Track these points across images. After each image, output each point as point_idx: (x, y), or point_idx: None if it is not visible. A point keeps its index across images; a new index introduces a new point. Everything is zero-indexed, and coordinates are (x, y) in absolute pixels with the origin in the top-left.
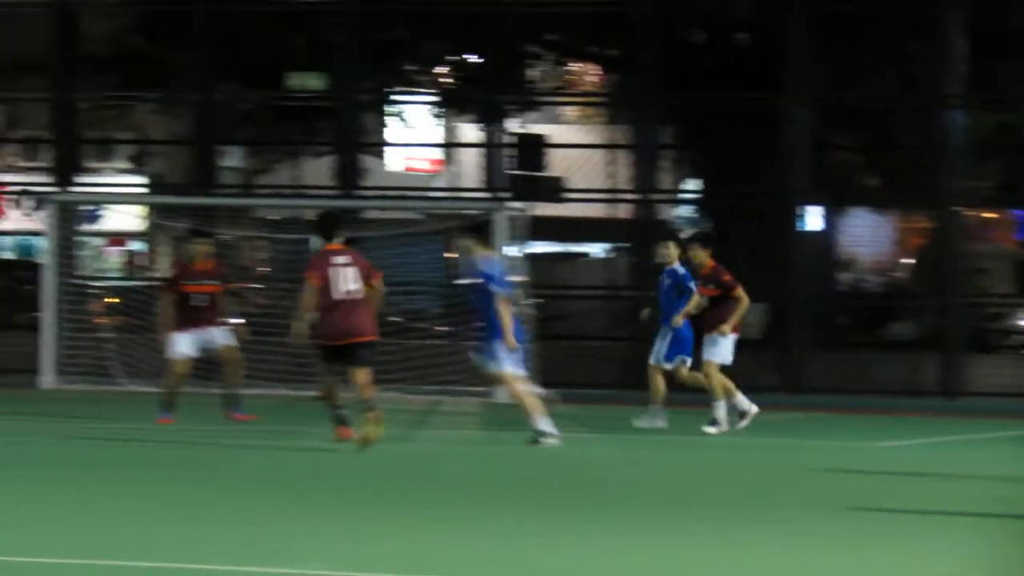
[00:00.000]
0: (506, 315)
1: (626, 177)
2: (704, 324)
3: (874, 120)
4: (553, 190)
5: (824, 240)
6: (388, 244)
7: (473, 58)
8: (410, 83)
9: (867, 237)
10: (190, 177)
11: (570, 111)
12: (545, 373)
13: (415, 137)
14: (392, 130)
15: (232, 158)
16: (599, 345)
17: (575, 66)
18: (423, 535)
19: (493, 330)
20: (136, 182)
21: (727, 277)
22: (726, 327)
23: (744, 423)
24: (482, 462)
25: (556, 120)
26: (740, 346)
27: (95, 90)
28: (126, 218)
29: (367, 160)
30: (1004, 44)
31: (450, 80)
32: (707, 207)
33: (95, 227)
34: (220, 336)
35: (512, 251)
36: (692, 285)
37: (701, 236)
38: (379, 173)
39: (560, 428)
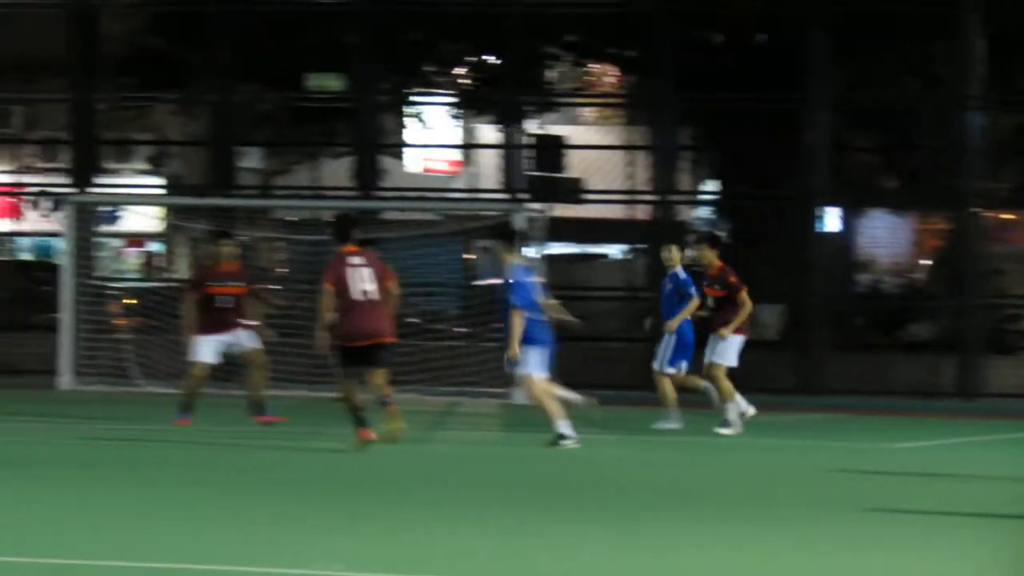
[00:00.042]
0: (516, 325)
1: (645, 178)
2: (711, 326)
3: (893, 121)
4: (571, 191)
5: (843, 241)
6: (407, 245)
7: (491, 59)
8: (429, 84)
9: (886, 238)
10: (208, 178)
11: (589, 112)
12: (563, 374)
13: (434, 138)
14: (411, 131)
15: (250, 159)
16: (617, 346)
17: (594, 67)
18: (439, 536)
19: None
20: (154, 183)
21: (733, 279)
22: (725, 331)
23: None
24: (499, 463)
25: (575, 121)
26: (758, 347)
27: (113, 91)
28: (144, 219)
29: (386, 161)
30: None
31: (468, 81)
32: (726, 208)
33: (113, 228)
34: (247, 339)
35: (530, 252)
36: (692, 291)
37: (709, 237)
38: (398, 174)
39: (578, 429)
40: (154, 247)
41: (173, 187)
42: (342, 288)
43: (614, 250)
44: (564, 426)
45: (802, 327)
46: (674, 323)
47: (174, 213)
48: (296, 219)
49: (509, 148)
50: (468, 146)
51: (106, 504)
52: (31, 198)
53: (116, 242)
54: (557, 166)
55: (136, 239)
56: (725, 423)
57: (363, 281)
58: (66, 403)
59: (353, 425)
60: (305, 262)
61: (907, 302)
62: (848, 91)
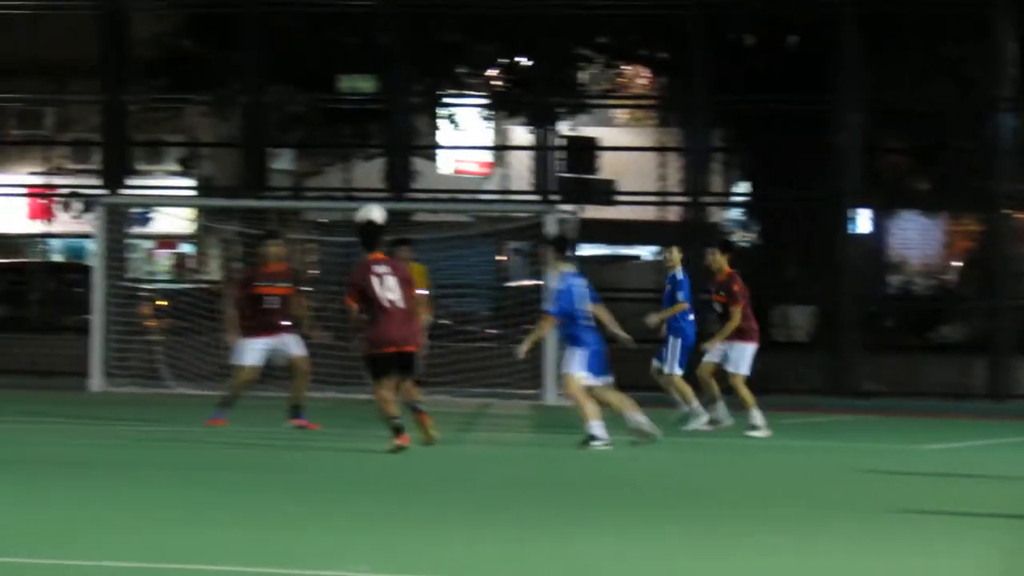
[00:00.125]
0: (539, 328)
1: (676, 180)
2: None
3: (925, 122)
4: (603, 193)
5: (874, 243)
6: (438, 247)
7: (524, 61)
8: (461, 86)
9: (917, 240)
10: (240, 179)
11: (621, 114)
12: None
13: (466, 140)
14: (443, 133)
15: (282, 161)
16: (648, 348)
17: (626, 69)
18: (465, 537)
19: (566, 337)
20: (185, 184)
21: (736, 287)
22: (708, 344)
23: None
24: (529, 464)
25: (606, 123)
26: (789, 348)
27: (145, 92)
28: (175, 220)
29: (418, 163)
30: None
31: (501, 83)
32: (757, 210)
33: (144, 230)
34: (293, 345)
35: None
36: (680, 295)
37: (722, 242)
38: (430, 176)
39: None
40: (185, 248)
41: (204, 188)
42: (369, 297)
43: (646, 252)
44: (597, 427)
45: (833, 328)
46: (655, 317)
47: (205, 214)
48: (327, 221)
49: (541, 150)
50: (500, 148)
51: (136, 505)
52: (62, 199)
53: (147, 243)
54: (589, 168)
55: (167, 240)
56: (753, 427)
57: (387, 289)
58: (97, 405)
59: (390, 432)
60: (336, 264)
61: (938, 303)
62: (880, 92)
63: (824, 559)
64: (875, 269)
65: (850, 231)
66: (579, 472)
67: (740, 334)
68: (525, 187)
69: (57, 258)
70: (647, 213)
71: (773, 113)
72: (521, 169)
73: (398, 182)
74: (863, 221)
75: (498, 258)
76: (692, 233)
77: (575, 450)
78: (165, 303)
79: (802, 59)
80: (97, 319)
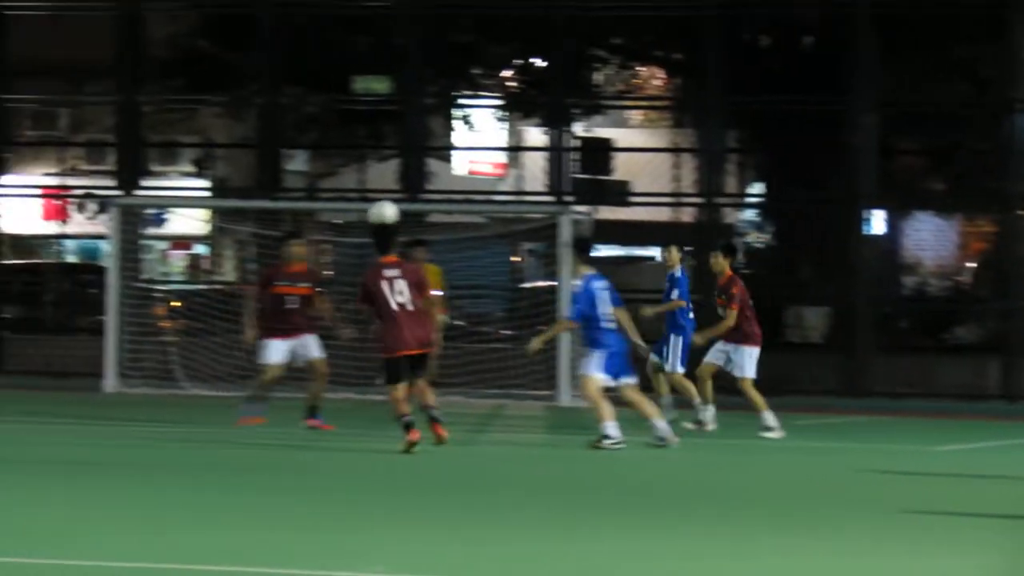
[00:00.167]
0: (554, 328)
1: (691, 181)
2: (727, 334)
3: (940, 124)
4: (618, 194)
5: (888, 244)
6: (453, 248)
7: (538, 62)
8: (475, 87)
9: (931, 241)
10: (254, 180)
11: (635, 115)
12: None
13: (480, 141)
14: (457, 134)
15: (297, 162)
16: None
17: (640, 70)
18: (480, 538)
19: (586, 339)
20: (200, 185)
21: (735, 290)
22: (698, 336)
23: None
24: (542, 465)
25: (621, 124)
26: (804, 349)
27: (159, 93)
28: (190, 222)
29: (432, 164)
30: None
31: (515, 84)
32: (772, 211)
33: (159, 230)
34: (313, 346)
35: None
36: (675, 294)
37: (724, 245)
38: (444, 177)
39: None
40: (200, 249)
41: (219, 189)
42: (379, 301)
43: (660, 253)
44: (612, 427)
45: (847, 329)
46: (650, 310)
47: (220, 215)
48: (342, 222)
49: (556, 151)
50: (515, 149)
51: (145, 506)
52: (77, 200)
53: (162, 244)
54: (603, 169)
55: (182, 241)
56: (767, 428)
57: (396, 293)
58: (110, 406)
59: (402, 431)
60: (351, 264)
61: (952, 304)
62: (895, 93)
63: (836, 560)
64: (889, 270)
65: (865, 232)
66: (593, 473)
67: (742, 338)
68: (539, 188)
69: (72, 259)
70: (661, 214)
71: (788, 114)
72: (535, 170)
73: (412, 183)
74: (878, 222)
75: (512, 259)
76: (706, 234)
77: (588, 450)
78: (179, 304)
79: (817, 60)
80: (111, 320)
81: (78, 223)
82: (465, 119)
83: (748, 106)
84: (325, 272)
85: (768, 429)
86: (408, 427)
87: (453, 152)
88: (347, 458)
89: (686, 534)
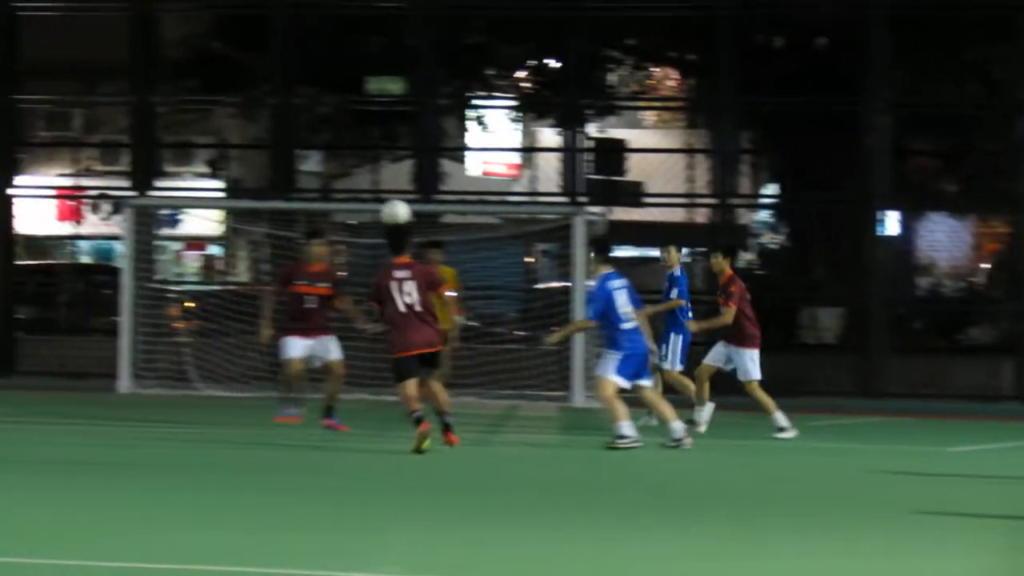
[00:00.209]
0: (573, 326)
1: (705, 181)
2: (727, 336)
3: (953, 124)
4: (631, 194)
5: (902, 245)
6: (466, 248)
7: (552, 62)
8: (489, 87)
9: (945, 241)
10: (268, 181)
11: (649, 115)
12: None
13: (494, 141)
14: (471, 134)
15: (310, 162)
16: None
17: (654, 70)
18: (493, 539)
19: (605, 340)
20: (214, 186)
21: (733, 288)
22: (693, 324)
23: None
24: (555, 466)
25: (635, 124)
26: (817, 350)
27: (174, 94)
28: (204, 222)
29: (446, 164)
30: None
31: (529, 84)
32: (785, 212)
33: (173, 231)
34: (333, 348)
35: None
36: (674, 293)
37: (725, 245)
38: (458, 177)
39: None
40: (214, 250)
41: (233, 190)
42: (387, 301)
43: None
44: (626, 427)
45: (861, 330)
46: (649, 309)
47: (234, 216)
48: (356, 222)
49: (569, 151)
50: (528, 149)
51: (153, 506)
52: (91, 201)
53: (176, 245)
54: (617, 169)
55: (196, 242)
56: (780, 429)
57: (404, 294)
58: (124, 406)
59: (412, 426)
60: (365, 265)
61: (966, 305)
62: (908, 94)
63: (848, 561)
64: (903, 271)
65: (878, 233)
66: (607, 473)
67: (741, 340)
68: (553, 189)
69: (86, 260)
70: (675, 215)
71: (801, 115)
72: (549, 171)
73: (426, 184)
74: (891, 223)
75: (526, 260)
76: (720, 235)
77: (602, 451)
78: (193, 305)
79: (830, 61)
80: (125, 321)
81: (92, 224)
82: (479, 120)
83: (762, 107)
84: (339, 272)
85: (781, 430)
86: (418, 421)
87: (467, 153)
88: (360, 458)
89: (699, 535)
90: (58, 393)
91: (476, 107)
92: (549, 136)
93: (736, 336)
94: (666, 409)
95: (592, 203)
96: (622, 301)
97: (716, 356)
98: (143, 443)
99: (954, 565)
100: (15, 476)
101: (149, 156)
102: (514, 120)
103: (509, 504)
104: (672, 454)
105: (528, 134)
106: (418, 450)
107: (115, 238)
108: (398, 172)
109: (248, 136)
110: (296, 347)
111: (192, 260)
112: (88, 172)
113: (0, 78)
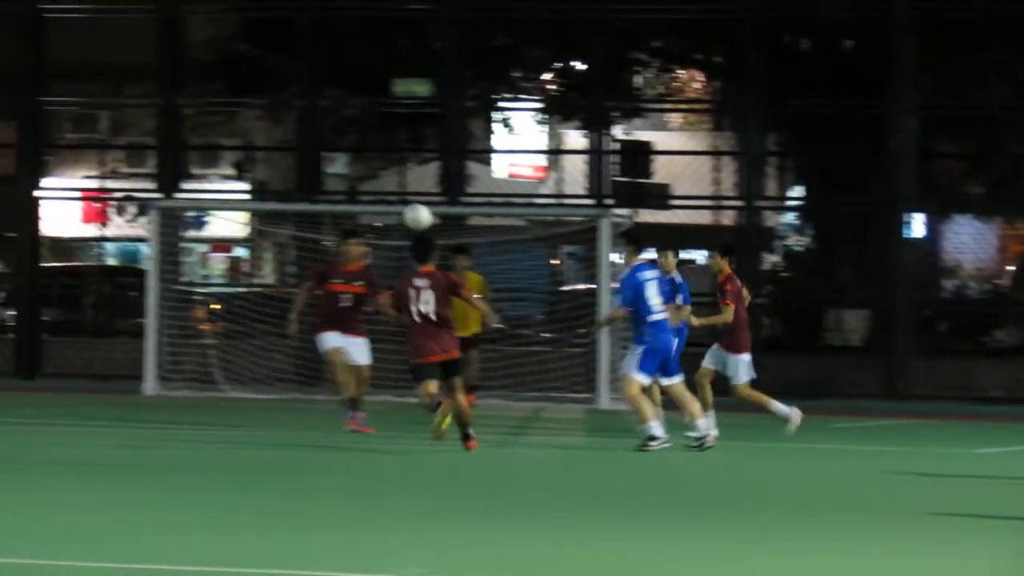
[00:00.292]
0: (609, 315)
1: (731, 184)
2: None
3: (979, 126)
4: (658, 197)
5: (928, 247)
6: (492, 251)
7: (578, 65)
8: (516, 89)
9: (971, 244)
10: (294, 183)
11: (675, 118)
12: None
13: (520, 144)
14: (497, 137)
15: (337, 164)
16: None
17: (680, 73)
18: (517, 540)
19: (633, 333)
20: (240, 188)
21: (730, 287)
22: (695, 318)
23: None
24: (582, 467)
25: (661, 127)
26: (843, 352)
27: (200, 96)
28: (230, 224)
29: (472, 167)
30: None
31: (555, 87)
32: (812, 214)
33: (199, 233)
34: (363, 353)
35: (616, 258)
36: (679, 299)
37: (724, 245)
38: (484, 180)
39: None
40: (239, 252)
41: (259, 192)
42: (404, 309)
43: (700, 256)
44: (656, 428)
45: (887, 332)
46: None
47: (259, 218)
48: (382, 225)
49: (596, 154)
50: (555, 152)
51: (173, 508)
52: (117, 203)
53: (201, 247)
54: (643, 172)
55: (222, 244)
56: (784, 419)
57: (418, 302)
58: (150, 408)
59: (432, 412)
60: (391, 268)
61: (992, 307)
62: (934, 97)
63: (849, 561)
64: (929, 273)
65: (905, 235)
66: (630, 475)
67: (731, 345)
68: (579, 191)
69: (111, 262)
70: (702, 217)
71: (827, 117)
72: (575, 173)
73: (452, 186)
74: (918, 225)
75: (552, 262)
76: (747, 237)
77: (631, 452)
78: (219, 307)
79: (856, 63)
80: (151, 323)
81: (118, 226)
82: (505, 122)
83: (788, 109)
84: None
85: (786, 421)
86: (436, 406)
87: (493, 155)
88: (385, 460)
89: (719, 538)
90: (83, 395)
91: (502, 109)
92: (575, 138)
93: (729, 340)
94: (694, 407)
95: (618, 205)
96: (652, 292)
97: (712, 359)
98: (166, 445)
99: (961, 565)
100: (43, 478)
101: (175, 158)
102: (540, 122)
103: (532, 505)
104: (692, 456)
105: (554, 136)
106: (438, 434)
107: (141, 240)
108: (424, 174)
109: (274, 138)
110: (332, 339)
111: (218, 262)
112: (114, 174)
113: (27, 80)
